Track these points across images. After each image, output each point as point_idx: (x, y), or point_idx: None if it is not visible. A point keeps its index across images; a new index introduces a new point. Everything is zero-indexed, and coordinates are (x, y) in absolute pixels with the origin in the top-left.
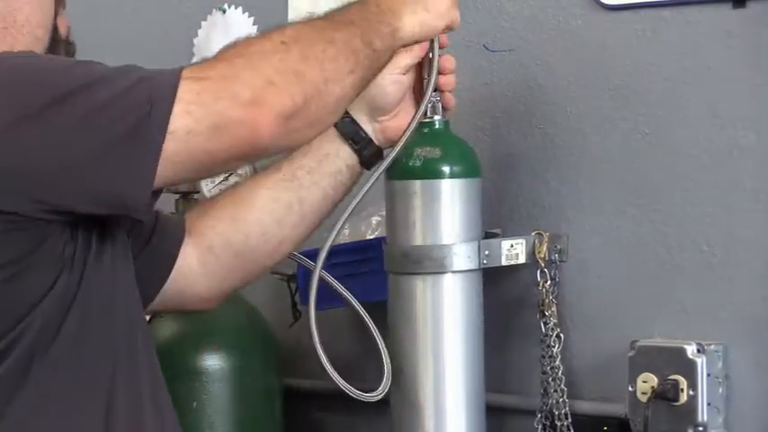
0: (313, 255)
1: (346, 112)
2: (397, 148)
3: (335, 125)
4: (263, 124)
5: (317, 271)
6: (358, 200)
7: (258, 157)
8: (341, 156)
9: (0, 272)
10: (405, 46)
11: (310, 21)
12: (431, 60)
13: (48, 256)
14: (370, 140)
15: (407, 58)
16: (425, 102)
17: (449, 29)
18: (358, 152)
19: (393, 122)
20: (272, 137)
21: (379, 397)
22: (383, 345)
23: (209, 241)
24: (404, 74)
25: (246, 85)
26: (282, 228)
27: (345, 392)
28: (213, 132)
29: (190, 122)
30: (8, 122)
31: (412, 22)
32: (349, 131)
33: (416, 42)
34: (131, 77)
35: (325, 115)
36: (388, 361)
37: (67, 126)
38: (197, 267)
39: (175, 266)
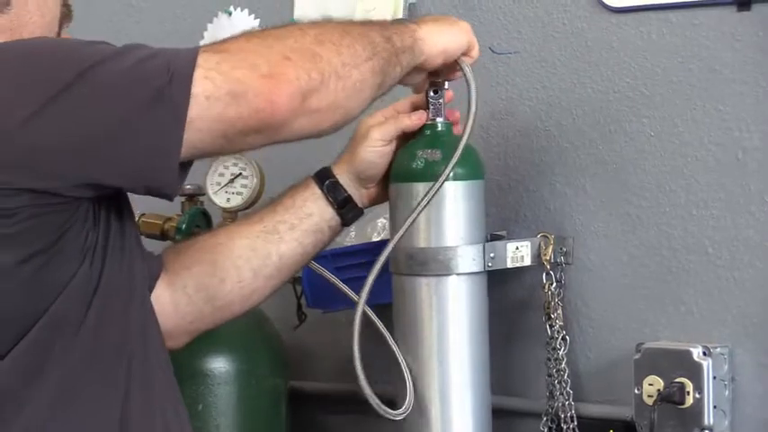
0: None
1: (333, 176)
2: (444, 177)
3: (321, 188)
4: (279, 96)
5: (361, 306)
6: (402, 232)
7: (279, 134)
8: (324, 217)
9: (32, 261)
10: (430, 64)
11: (326, 19)
12: (467, 84)
13: (72, 243)
14: (355, 204)
15: (391, 130)
16: (468, 131)
17: (469, 52)
18: (341, 214)
19: (379, 186)
20: (289, 111)
21: (404, 415)
22: (405, 363)
23: (183, 281)
24: (388, 144)
25: (264, 59)
26: (257, 278)
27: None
28: (231, 99)
29: (209, 87)
30: (33, 107)
31: (431, 30)
32: (335, 195)
33: (442, 54)
34: (148, 50)
35: (344, 99)
36: (411, 378)
37: (91, 99)
38: (168, 306)
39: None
